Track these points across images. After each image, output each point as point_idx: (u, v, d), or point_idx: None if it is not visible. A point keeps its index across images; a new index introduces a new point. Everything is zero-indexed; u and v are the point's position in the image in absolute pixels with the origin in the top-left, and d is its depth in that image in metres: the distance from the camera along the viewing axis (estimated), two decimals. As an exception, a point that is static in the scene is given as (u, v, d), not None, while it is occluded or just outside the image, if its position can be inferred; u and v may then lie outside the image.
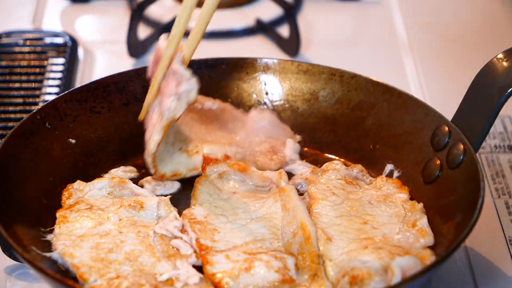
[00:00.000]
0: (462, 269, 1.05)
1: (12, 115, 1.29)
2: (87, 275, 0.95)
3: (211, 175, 1.09)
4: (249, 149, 1.15)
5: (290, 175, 1.11)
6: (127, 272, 0.95)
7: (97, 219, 1.02)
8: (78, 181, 1.08)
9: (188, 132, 1.13)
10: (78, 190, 1.07)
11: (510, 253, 1.07)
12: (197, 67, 1.19)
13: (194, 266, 0.97)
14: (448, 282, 1.04)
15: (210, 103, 1.18)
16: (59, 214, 1.03)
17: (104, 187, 1.07)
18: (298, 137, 1.18)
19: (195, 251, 0.98)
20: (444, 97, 1.33)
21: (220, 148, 1.13)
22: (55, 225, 1.02)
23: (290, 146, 1.15)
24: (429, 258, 0.96)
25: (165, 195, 1.08)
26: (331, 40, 1.50)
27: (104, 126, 1.15)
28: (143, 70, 1.18)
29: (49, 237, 1.00)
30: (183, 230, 1.01)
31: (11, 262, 1.04)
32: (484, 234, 1.09)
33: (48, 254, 0.98)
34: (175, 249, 0.99)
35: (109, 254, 0.97)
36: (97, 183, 1.07)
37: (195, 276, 0.95)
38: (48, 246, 1.00)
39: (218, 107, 1.18)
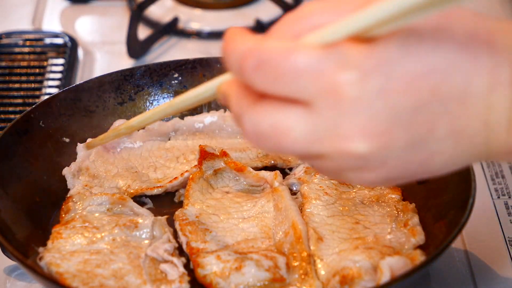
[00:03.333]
0: (462, 269, 1.04)
1: (12, 116, 1.29)
2: (70, 280, 0.94)
3: (207, 171, 1.08)
4: None
5: (283, 174, 1.11)
6: (111, 286, 0.94)
7: (91, 238, 1.00)
8: (78, 194, 1.06)
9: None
10: (77, 203, 1.05)
11: (509, 253, 1.06)
12: (191, 66, 1.20)
13: (185, 267, 0.97)
14: (447, 282, 1.03)
15: (209, 117, 1.18)
16: (54, 230, 1.01)
17: (104, 203, 1.04)
18: None
19: (180, 277, 0.97)
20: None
21: (242, 154, 1.13)
22: (48, 241, 1.00)
23: None
24: (419, 258, 0.95)
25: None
26: (330, 40, 1.50)
27: (98, 125, 1.15)
28: (138, 69, 1.19)
29: (40, 250, 0.99)
30: (174, 253, 0.99)
31: (11, 262, 1.04)
32: (484, 235, 1.09)
33: (39, 263, 0.97)
34: (163, 274, 0.97)
35: (96, 268, 0.96)
36: (97, 198, 1.04)
37: None
38: (41, 244, 1.00)
39: (218, 117, 1.18)
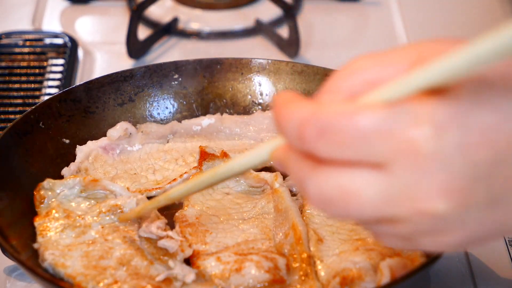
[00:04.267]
0: (462, 270, 1.04)
1: (12, 116, 1.29)
2: (85, 283, 0.94)
3: (207, 172, 1.08)
4: None
5: (283, 175, 1.11)
6: (124, 276, 0.94)
7: (79, 228, 1.00)
8: (48, 179, 1.05)
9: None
10: (50, 190, 1.04)
11: (509, 254, 1.06)
12: (192, 67, 1.20)
13: (185, 261, 0.98)
14: (447, 282, 1.03)
15: (207, 120, 1.18)
16: (37, 223, 1.00)
17: (76, 185, 1.04)
18: None
19: (180, 247, 0.98)
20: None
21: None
22: (37, 235, 0.99)
23: None
24: (419, 259, 0.95)
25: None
26: (330, 40, 1.50)
27: (98, 126, 1.15)
28: (138, 70, 1.19)
29: (35, 245, 0.99)
30: (166, 228, 1.00)
31: (11, 262, 1.04)
32: (483, 236, 1.09)
33: (42, 264, 0.97)
34: (164, 250, 0.98)
35: (100, 260, 0.96)
36: (68, 182, 1.04)
37: (191, 273, 0.95)
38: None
39: (216, 119, 1.18)
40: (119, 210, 1.01)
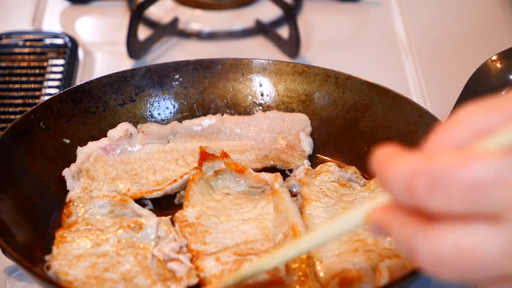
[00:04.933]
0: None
1: (12, 116, 1.29)
2: None
3: (207, 172, 1.09)
4: (266, 148, 1.15)
5: (283, 176, 1.11)
6: None
7: (96, 240, 1.00)
8: (79, 198, 1.05)
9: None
10: (79, 207, 1.04)
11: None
12: (192, 67, 1.20)
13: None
14: (447, 283, 1.03)
15: (208, 120, 1.18)
16: (58, 234, 1.00)
17: (105, 205, 1.04)
18: (308, 122, 1.18)
19: (187, 273, 0.97)
20: (444, 99, 1.32)
21: (241, 156, 1.13)
22: (53, 246, 0.99)
23: (304, 140, 1.16)
24: (419, 260, 0.95)
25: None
26: (330, 41, 1.50)
27: (99, 127, 1.15)
28: (138, 70, 1.19)
29: (46, 257, 0.98)
30: (180, 251, 0.99)
31: (11, 262, 1.04)
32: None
33: (47, 272, 0.97)
34: (171, 272, 0.97)
35: (104, 273, 0.96)
36: (98, 201, 1.04)
37: None
38: (41, 246, 1.00)
39: (216, 119, 1.18)
40: (138, 228, 1.01)
